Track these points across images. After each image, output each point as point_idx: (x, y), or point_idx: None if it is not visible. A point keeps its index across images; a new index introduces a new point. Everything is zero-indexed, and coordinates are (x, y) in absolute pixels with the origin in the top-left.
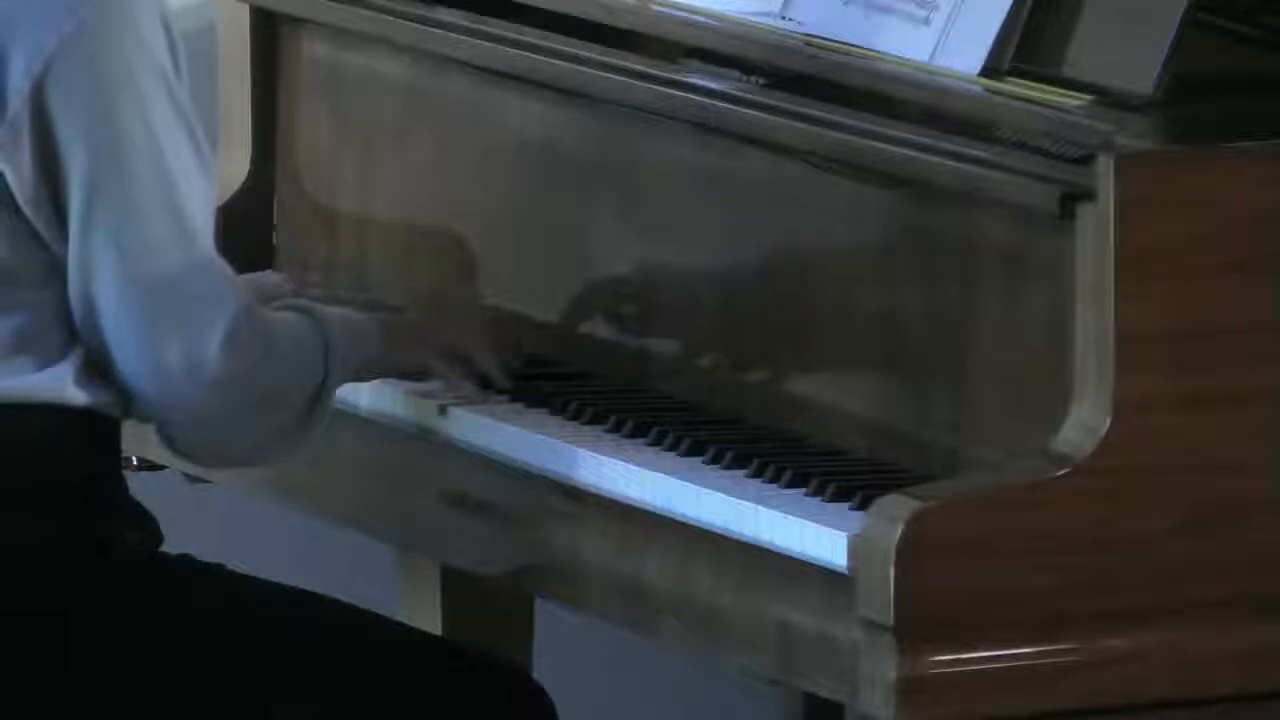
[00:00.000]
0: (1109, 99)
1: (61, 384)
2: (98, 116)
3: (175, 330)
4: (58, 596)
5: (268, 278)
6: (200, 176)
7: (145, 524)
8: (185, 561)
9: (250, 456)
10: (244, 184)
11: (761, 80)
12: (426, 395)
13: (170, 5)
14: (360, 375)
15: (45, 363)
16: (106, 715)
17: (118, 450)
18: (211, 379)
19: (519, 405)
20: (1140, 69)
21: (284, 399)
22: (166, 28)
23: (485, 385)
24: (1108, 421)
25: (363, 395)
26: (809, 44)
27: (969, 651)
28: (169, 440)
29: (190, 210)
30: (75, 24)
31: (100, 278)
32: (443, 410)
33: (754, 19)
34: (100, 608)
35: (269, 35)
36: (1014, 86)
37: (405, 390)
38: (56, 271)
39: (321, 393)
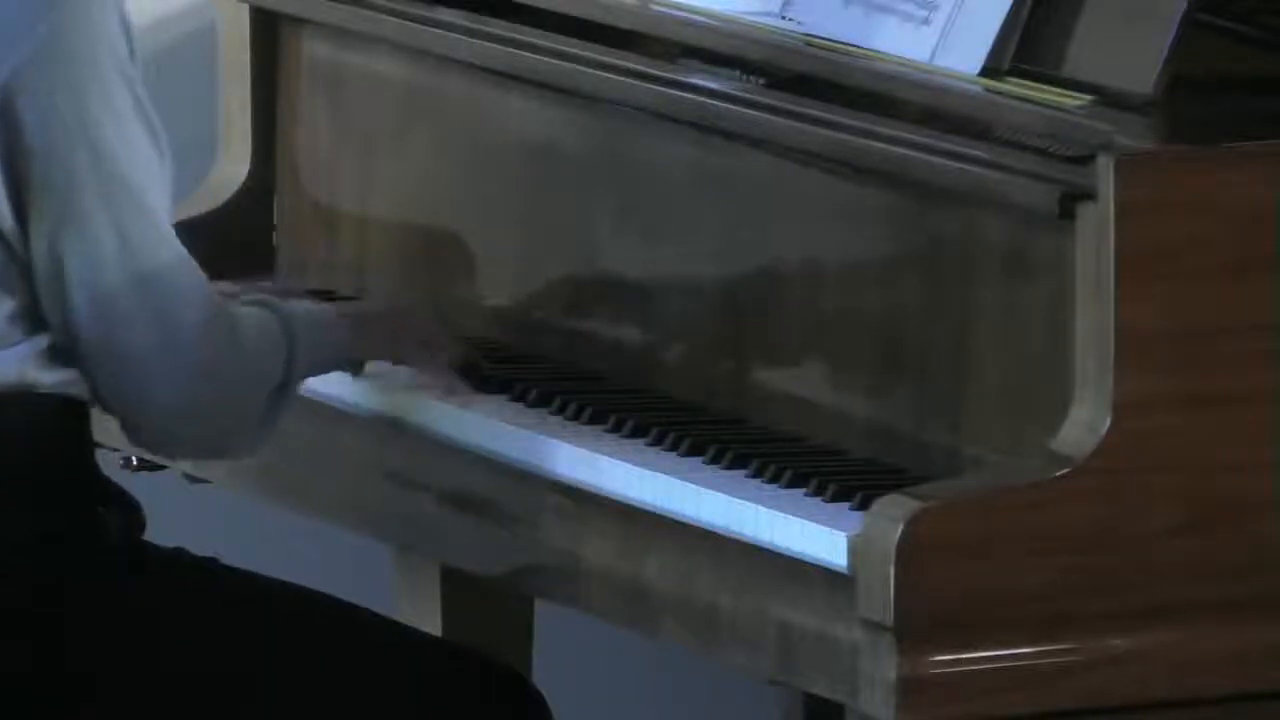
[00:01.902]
0: (1109, 99)
1: (22, 365)
2: (69, 124)
3: (151, 323)
4: (52, 594)
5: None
6: (161, 173)
7: (126, 505)
8: (180, 556)
9: (216, 446)
10: (244, 184)
11: (761, 80)
12: (399, 388)
13: (171, 6)
14: (326, 367)
15: (10, 345)
16: (105, 713)
17: (89, 433)
18: (187, 368)
19: (519, 405)
20: (1140, 69)
21: (251, 388)
22: (123, 19)
23: (467, 377)
24: (1108, 421)
25: (363, 395)
26: (809, 44)
27: (969, 651)
28: (135, 431)
29: (156, 207)
30: (42, 33)
31: (75, 277)
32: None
33: (754, 19)
34: (96, 605)
35: (269, 35)
36: (1014, 86)
37: (398, 388)
38: (14, 270)
39: (286, 383)
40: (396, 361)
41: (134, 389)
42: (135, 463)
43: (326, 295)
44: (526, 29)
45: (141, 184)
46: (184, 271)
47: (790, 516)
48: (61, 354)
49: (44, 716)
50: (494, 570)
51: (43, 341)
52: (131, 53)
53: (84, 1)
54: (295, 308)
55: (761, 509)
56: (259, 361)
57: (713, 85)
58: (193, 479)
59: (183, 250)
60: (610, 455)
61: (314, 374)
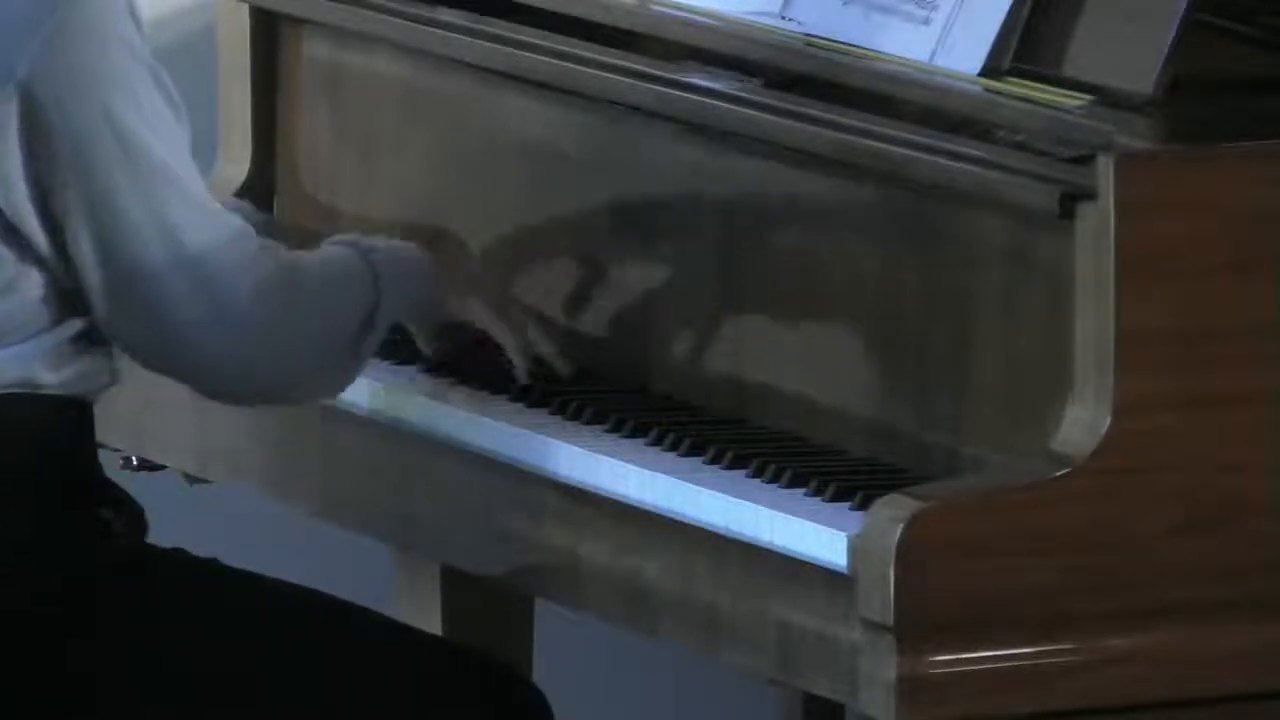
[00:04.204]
0: (1109, 99)
1: (28, 364)
2: (90, 117)
3: (200, 296)
4: (53, 595)
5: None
6: (184, 139)
7: (128, 508)
8: (180, 556)
9: (293, 393)
10: (244, 184)
11: (761, 80)
12: (400, 388)
13: (171, 6)
14: (409, 312)
15: (15, 343)
16: (105, 714)
17: (92, 434)
18: (243, 331)
19: (519, 405)
20: (1140, 69)
21: (324, 334)
22: (129, 2)
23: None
24: (1108, 421)
25: (363, 395)
26: (809, 44)
27: (969, 651)
28: (206, 391)
29: (188, 181)
30: (55, 23)
31: (120, 264)
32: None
33: (754, 19)
34: (97, 606)
35: (269, 35)
36: (1014, 86)
37: (407, 389)
38: (31, 262)
39: (372, 322)
40: (467, 323)
41: (193, 360)
42: (135, 463)
43: None
44: (526, 29)
45: (171, 163)
46: (227, 237)
47: (790, 516)
48: (72, 347)
49: (45, 718)
50: (494, 570)
51: (67, 330)
52: (138, 25)
53: None
54: (381, 244)
55: (761, 509)
56: (332, 306)
57: (713, 85)
58: (193, 479)
59: (224, 215)
60: (610, 455)
61: (404, 315)
